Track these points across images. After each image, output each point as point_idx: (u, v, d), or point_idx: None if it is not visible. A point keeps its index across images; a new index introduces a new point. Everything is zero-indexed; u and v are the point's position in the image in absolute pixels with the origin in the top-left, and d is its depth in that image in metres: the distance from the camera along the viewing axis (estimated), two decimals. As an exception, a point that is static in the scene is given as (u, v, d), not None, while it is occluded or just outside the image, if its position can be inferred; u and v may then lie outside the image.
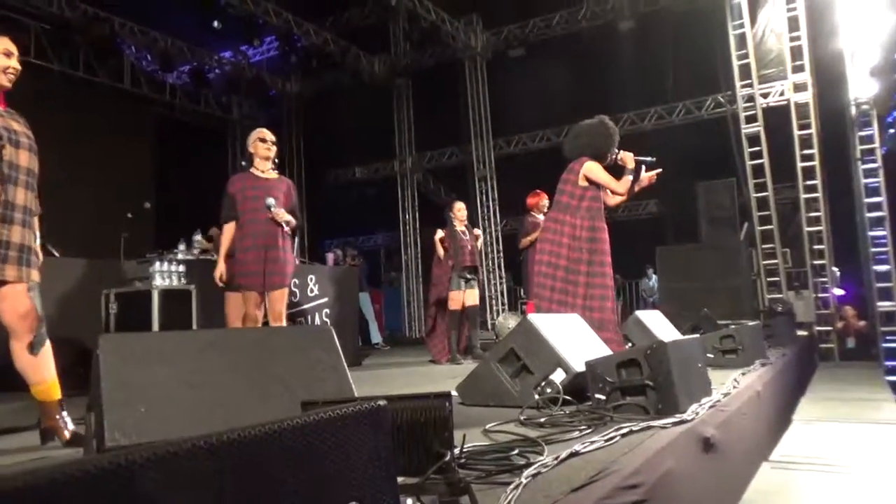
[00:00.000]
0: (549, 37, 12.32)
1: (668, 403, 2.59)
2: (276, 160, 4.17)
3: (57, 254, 5.63)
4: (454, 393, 3.28)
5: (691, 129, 11.65)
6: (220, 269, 4.03)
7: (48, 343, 2.61)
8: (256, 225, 3.96)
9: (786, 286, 9.60)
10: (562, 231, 4.24)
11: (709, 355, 4.73)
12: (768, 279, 9.71)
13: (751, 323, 5.26)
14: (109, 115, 10.94)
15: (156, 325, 4.77)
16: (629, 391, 2.73)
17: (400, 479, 1.40)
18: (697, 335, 3.51)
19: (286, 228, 4.04)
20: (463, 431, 2.35)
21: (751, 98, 9.97)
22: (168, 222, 8.95)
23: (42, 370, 2.56)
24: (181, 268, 5.47)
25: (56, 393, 2.59)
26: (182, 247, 5.65)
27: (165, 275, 5.12)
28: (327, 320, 6.23)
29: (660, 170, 4.42)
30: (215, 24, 10.23)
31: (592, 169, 4.28)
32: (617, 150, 4.40)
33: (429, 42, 13.21)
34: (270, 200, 3.96)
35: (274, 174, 4.14)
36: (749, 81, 9.99)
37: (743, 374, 4.02)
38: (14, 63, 2.62)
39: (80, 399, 2.14)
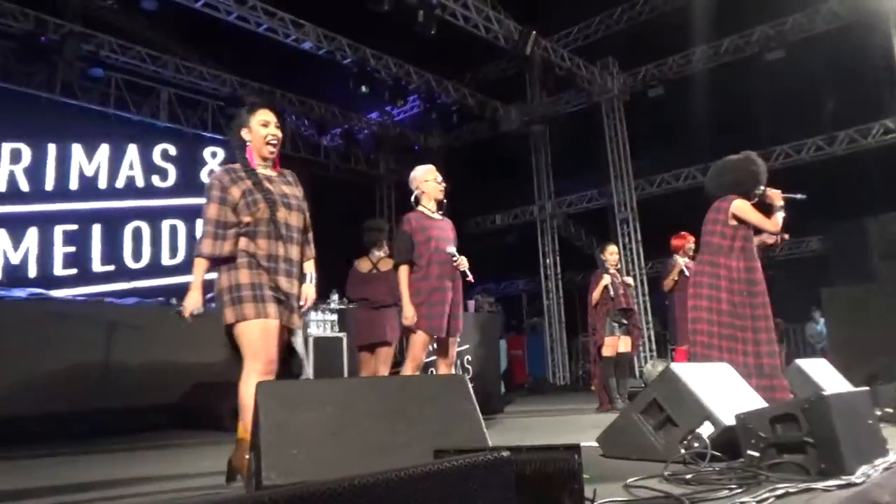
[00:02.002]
0: (689, 73, 11.95)
1: (833, 463, 2.36)
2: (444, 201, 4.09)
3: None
4: (595, 444, 3.21)
5: (856, 158, 10.68)
6: (412, 312, 3.80)
7: None
8: (438, 267, 3.85)
9: None
10: (718, 274, 4.03)
11: (887, 410, 4.24)
12: (963, 323, 8.53)
13: (938, 373, 4.65)
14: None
15: (310, 370, 5.10)
16: (787, 448, 2.53)
17: (531, 531, 1.42)
18: (867, 388, 3.18)
19: (469, 277, 3.99)
20: (601, 485, 2.30)
21: (927, 121, 9.02)
22: (322, 273, 9.58)
23: None
24: (334, 317, 5.85)
25: None
26: (335, 297, 6.04)
27: (320, 323, 5.48)
28: (469, 367, 6.33)
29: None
30: (363, 88, 11.01)
31: (742, 208, 4.06)
32: (763, 188, 4.16)
33: (565, 87, 13.30)
34: (452, 249, 3.91)
35: (439, 215, 4.06)
36: (923, 103, 9.06)
37: (930, 432, 3.55)
38: (272, 130, 2.92)
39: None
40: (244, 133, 2.91)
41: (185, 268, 10.30)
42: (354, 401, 1.75)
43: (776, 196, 4.08)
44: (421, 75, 12.01)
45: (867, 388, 3.23)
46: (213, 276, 2.82)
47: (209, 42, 11.07)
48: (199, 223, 2.87)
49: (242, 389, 2.65)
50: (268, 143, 2.89)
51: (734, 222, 4.08)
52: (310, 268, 3.02)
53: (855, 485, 2.22)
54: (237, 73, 11.41)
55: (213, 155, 11.38)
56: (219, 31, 9.88)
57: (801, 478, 2.31)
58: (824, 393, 2.53)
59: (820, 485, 2.20)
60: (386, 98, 11.92)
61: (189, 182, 10.88)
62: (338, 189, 13.38)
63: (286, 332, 2.86)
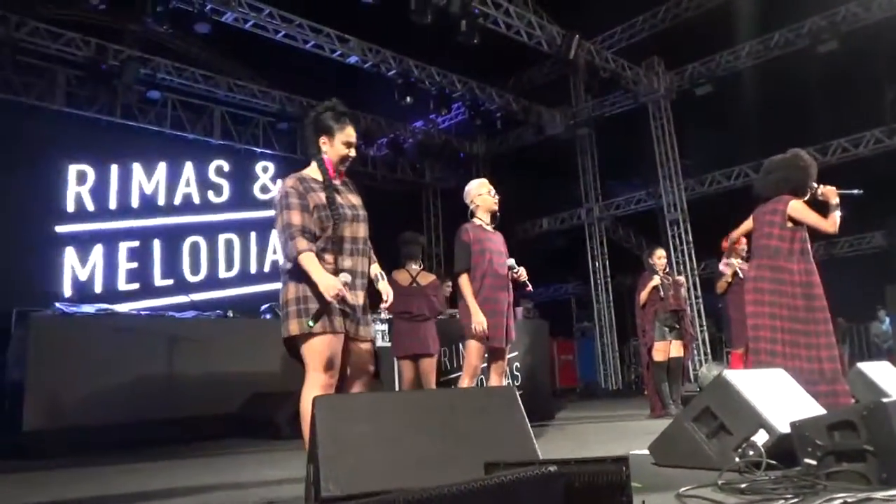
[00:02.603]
0: (739, 69, 11.69)
1: (894, 472, 2.31)
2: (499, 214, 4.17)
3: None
4: (647, 452, 3.20)
5: (919, 150, 10.26)
6: (483, 319, 3.84)
7: None
8: (495, 279, 3.95)
9: None
10: (781, 279, 3.94)
11: (957, 414, 4.08)
12: None
13: None
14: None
15: None
16: (846, 457, 2.47)
17: (581, 542, 1.45)
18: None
19: (529, 287, 4.10)
20: (653, 495, 2.31)
21: None
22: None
23: None
24: (384, 326, 5.95)
25: None
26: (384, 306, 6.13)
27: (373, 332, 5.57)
28: (518, 374, 6.35)
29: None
30: (408, 99, 11.16)
31: (798, 209, 3.97)
32: (816, 185, 4.06)
33: (610, 89, 13.18)
34: (511, 261, 4.04)
35: (492, 228, 4.13)
36: None
37: None
38: (352, 153, 2.90)
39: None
40: (323, 142, 2.86)
41: (241, 280, 10.69)
42: (408, 414, 1.81)
43: (831, 193, 3.98)
44: (464, 83, 12.10)
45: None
46: (275, 286, 2.82)
47: (259, 60, 11.42)
48: (281, 235, 2.75)
49: (304, 403, 2.64)
50: (344, 162, 2.89)
51: (791, 224, 3.99)
52: (377, 269, 3.00)
53: (918, 494, 2.17)
54: (285, 89, 11.72)
55: (265, 170, 11.72)
56: (268, 49, 10.18)
57: (861, 487, 2.27)
58: (885, 399, 2.47)
59: (880, 494, 2.15)
60: (431, 107, 12.04)
61: (243, 197, 11.26)
62: (385, 199, 13.57)
63: (364, 345, 2.84)
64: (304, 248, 2.66)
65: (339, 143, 2.86)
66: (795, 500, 2.15)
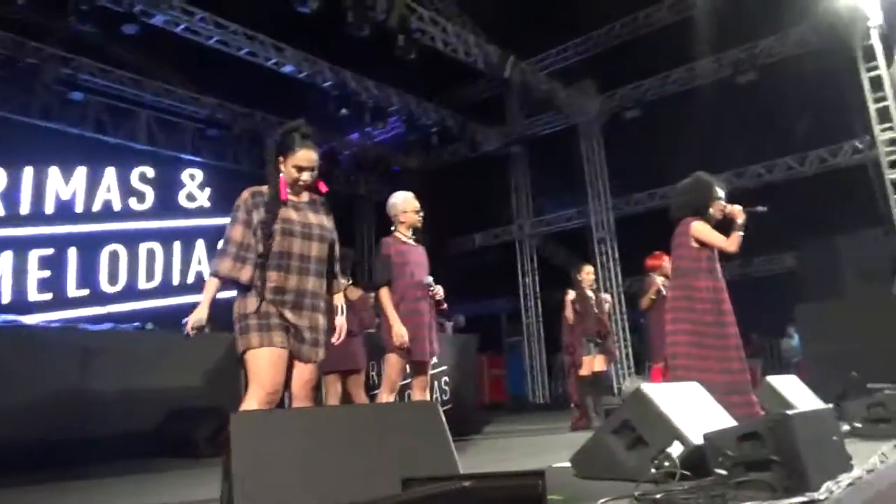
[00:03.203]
0: (665, 95, 12.20)
1: (797, 480, 2.43)
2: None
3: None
4: (569, 464, 3.25)
5: (827, 178, 10.93)
6: (403, 332, 3.83)
7: None
8: (417, 292, 3.95)
9: (953, 345, 8.57)
10: (691, 297, 4.11)
11: (856, 424, 4.34)
12: (931, 338, 8.72)
13: (904, 389, 4.75)
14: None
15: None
16: (753, 466, 2.58)
17: (497, 555, 1.45)
18: (830, 406, 3.26)
19: (444, 305, 4.09)
20: (572, 507, 2.35)
21: (893, 142, 9.29)
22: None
23: None
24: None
25: None
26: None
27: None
28: (446, 389, 6.36)
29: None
30: (343, 111, 11.09)
31: (700, 229, 4.16)
32: (724, 204, 4.24)
33: (544, 109, 13.50)
34: (430, 279, 4.03)
35: (414, 242, 4.13)
36: (890, 125, 9.34)
37: (895, 446, 3.64)
38: (306, 177, 2.87)
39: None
40: (280, 161, 2.87)
41: (162, 291, 10.29)
42: (327, 430, 1.78)
43: (738, 213, 4.15)
44: (401, 97, 12.13)
45: (832, 405, 3.31)
46: (199, 297, 2.78)
47: (190, 65, 11.10)
48: (220, 244, 2.82)
49: None
50: (297, 185, 2.87)
51: (696, 244, 4.17)
52: (339, 300, 3.04)
53: (818, 501, 2.29)
54: (217, 95, 11.43)
55: (192, 177, 11.36)
56: (200, 54, 9.92)
57: (767, 495, 2.37)
58: (789, 412, 2.60)
59: (784, 502, 2.26)
60: (367, 120, 12.00)
61: (167, 205, 10.85)
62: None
63: (307, 367, 2.80)
64: (218, 271, 2.73)
65: (290, 166, 2.86)
66: (706, 509, 2.22)
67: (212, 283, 2.76)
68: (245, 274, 2.72)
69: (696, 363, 4.03)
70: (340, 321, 2.99)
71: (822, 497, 2.33)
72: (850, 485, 2.57)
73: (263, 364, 2.65)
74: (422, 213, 4.16)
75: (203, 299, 2.73)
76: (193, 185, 11.28)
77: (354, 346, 5.21)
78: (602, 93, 12.90)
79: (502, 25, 11.31)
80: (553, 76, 12.48)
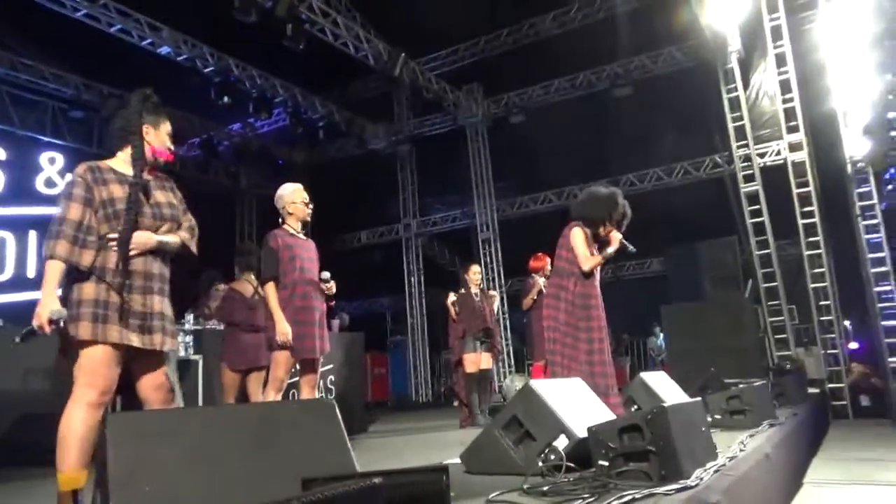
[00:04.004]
0: (548, 103, 12.69)
1: (672, 469, 2.58)
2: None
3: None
4: (458, 461, 3.28)
5: (691, 189, 11.83)
6: (288, 329, 3.71)
7: None
8: (307, 287, 3.83)
9: (794, 343, 9.55)
10: (558, 296, 4.28)
11: (716, 416, 4.70)
12: (776, 336, 9.67)
13: (757, 382, 5.22)
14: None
15: (180, 399, 4.77)
16: (632, 457, 2.72)
17: (399, 555, 1.42)
18: (699, 398, 3.51)
19: (332, 301, 3.99)
20: (465, 502, 2.36)
21: (748, 158, 10.17)
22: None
23: None
24: (188, 338, 5.54)
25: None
26: (190, 317, 5.73)
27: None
28: (332, 387, 6.24)
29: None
30: (225, 99, 10.60)
31: (573, 236, 4.31)
32: (613, 225, 4.34)
33: (432, 110, 13.62)
34: (326, 274, 3.92)
35: (303, 235, 4.01)
36: (745, 142, 10.21)
37: (751, 435, 3.98)
38: (171, 145, 2.77)
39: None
40: (147, 130, 2.67)
41: (14, 284, 9.35)
42: (215, 431, 1.67)
43: (614, 238, 4.28)
44: (287, 89, 11.78)
45: (699, 398, 3.56)
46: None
47: (53, 39, 10.15)
48: (51, 225, 2.48)
49: (64, 422, 2.35)
50: (166, 154, 2.72)
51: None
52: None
53: (690, 487, 2.44)
54: (83, 73, 10.55)
55: (52, 161, 10.38)
56: (65, 28, 9.09)
57: (645, 484, 2.50)
58: (665, 404, 2.76)
59: (661, 489, 2.38)
60: (250, 110, 11.55)
61: (22, 190, 9.85)
62: (194, 203, 12.69)
63: (156, 357, 2.58)
64: (56, 253, 2.41)
65: (163, 134, 2.70)
66: (591, 499, 2.31)
67: (53, 268, 2.41)
68: (85, 258, 2.46)
69: (562, 360, 4.18)
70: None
71: (693, 484, 2.49)
72: (716, 471, 2.77)
73: (93, 361, 2.39)
74: (311, 206, 4.04)
75: (47, 288, 2.39)
76: (53, 170, 10.32)
77: (261, 343, 5.00)
78: (489, 97, 13.20)
79: (393, 23, 11.29)
80: (442, 78, 12.62)
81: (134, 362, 2.54)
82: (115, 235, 2.50)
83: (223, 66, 10.52)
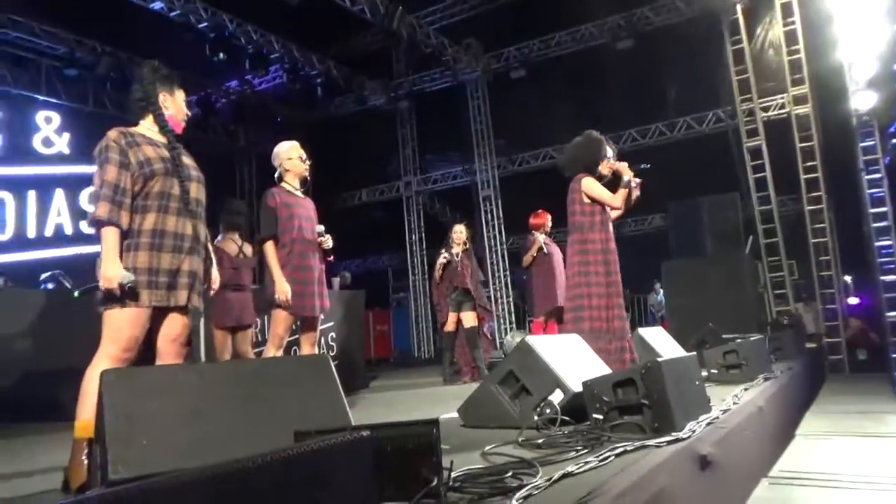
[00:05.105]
0: (549, 57, 12.47)
1: (664, 422, 2.62)
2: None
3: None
4: (455, 415, 3.33)
5: (693, 144, 11.71)
6: (287, 287, 3.69)
7: None
8: (305, 246, 3.80)
9: (793, 298, 9.59)
10: (585, 250, 4.26)
11: (713, 371, 4.75)
12: (775, 292, 9.71)
13: (753, 337, 5.26)
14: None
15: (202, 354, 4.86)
16: (626, 410, 2.77)
17: (390, 505, 1.46)
18: (693, 353, 3.54)
19: (331, 257, 3.98)
20: (461, 454, 2.40)
21: (751, 112, 10.05)
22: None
23: None
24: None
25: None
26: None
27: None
28: (333, 344, 6.30)
29: (639, 180, 4.45)
30: (221, 55, 10.42)
31: (589, 185, 4.31)
32: (611, 161, 4.41)
33: (431, 66, 13.41)
34: (321, 228, 3.89)
35: (301, 193, 3.96)
36: (749, 96, 10.08)
37: (745, 389, 4.03)
38: (187, 110, 2.91)
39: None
40: (164, 99, 2.78)
41: (14, 244, 9.37)
42: (211, 386, 1.69)
43: (624, 169, 4.33)
44: (284, 45, 11.57)
45: (694, 353, 3.59)
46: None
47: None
48: (89, 190, 2.62)
49: (88, 375, 2.45)
50: (184, 121, 2.84)
51: (588, 199, 4.33)
52: (209, 248, 2.90)
53: (681, 439, 2.49)
54: (77, 31, 10.36)
55: (48, 120, 10.30)
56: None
57: (638, 436, 2.55)
58: (659, 359, 2.79)
59: (653, 441, 2.43)
60: (246, 67, 11.37)
61: (19, 150, 9.80)
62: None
63: (181, 315, 2.67)
64: (100, 217, 2.50)
65: (179, 101, 2.82)
66: (584, 451, 2.35)
67: (112, 233, 2.51)
68: (124, 219, 2.54)
69: (595, 312, 4.20)
70: (214, 272, 2.89)
71: (685, 436, 2.53)
72: (708, 424, 2.82)
73: (123, 322, 2.50)
74: (308, 162, 3.99)
75: (109, 254, 2.49)
76: (50, 129, 10.25)
77: (245, 302, 5.10)
78: (488, 52, 12.98)
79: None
80: (441, 32, 12.38)
81: (157, 317, 2.63)
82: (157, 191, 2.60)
83: (217, 22, 10.32)
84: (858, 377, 8.43)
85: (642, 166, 4.47)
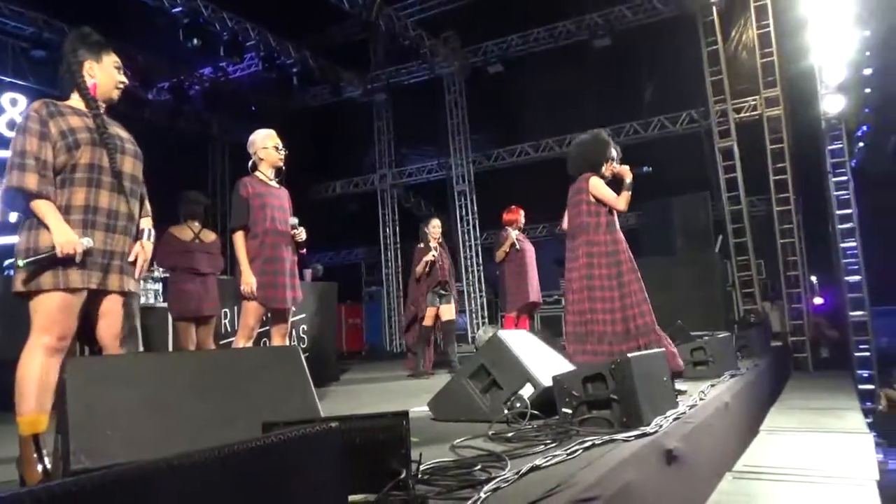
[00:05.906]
0: (527, 53, 12.49)
1: (632, 416, 2.66)
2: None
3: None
4: (426, 408, 3.34)
5: (666, 143, 11.82)
6: (252, 279, 3.66)
7: None
8: (277, 237, 3.76)
9: (760, 297, 9.78)
10: (591, 252, 4.15)
11: (681, 367, 4.83)
12: (743, 290, 9.89)
13: (721, 335, 5.36)
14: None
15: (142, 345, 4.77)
16: (595, 405, 2.80)
17: (359, 497, 1.46)
18: (660, 350, 3.59)
19: (303, 249, 3.93)
20: (430, 447, 2.41)
21: (724, 113, 10.19)
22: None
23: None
24: (157, 286, 5.49)
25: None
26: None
27: (142, 292, 5.13)
28: (304, 336, 6.26)
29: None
30: (195, 41, 10.22)
31: (596, 186, 4.21)
32: (615, 163, 4.33)
33: (409, 59, 13.34)
34: (294, 220, 3.85)
35: (276, 183, 3.92)
36: (722, 97, 10.22)
37: (712, 385, 4.10)
38: (122, 77, 2.68)
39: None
40: (90, 67, 2.58)
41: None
42: (177, 376, 1.66)
43: (625, 172, 4.24)
44: (260, 32, 11.41)
45: (658, 350, 3.64)
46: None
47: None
48: (12, 157, 2.37)
49: (21, 367, 2.29)
50: (118, 89, 2.65)
51: (594, 199, 4.20)
52: (148, 223, 2.70)
53: (649, 434, 2.52)
54: (45, 11, 10.10)
55: (14, 102, 10.06)
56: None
57: (606, 430, 2.58)
58: (628, 355, 2.82)
59: (621, 436, 2.46)
60: (221, 54, 11.18)
61: (-17, 132, 9.56)
62: (164, 149, 12.39)
63: (118, 298, 2.52)
64: (28, 188, 2.32)
65: (111, 69, 2.62)
66: (553, 444, 2.37)
67: (47, 206, 2.34)
68: (52, 194, 2.38)
69: (600, 316, 4.05)
70: (147, 247, 2.65)
71: (652, 430, 2.57)
72: (675, 419, 2.87)
73: (53, 307, 2.32)
74: (284, 152, 3.92)
75: (56, 223, 2.33)
76: (15, 112, 9.99)
77: (212, 290, 5.04)
78: (466, 46, 12.95)
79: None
80: (420, 25, 12.32)
81: (92, 304, 2.48)
82: (65, 163, 2.42)
83: (192, 7, 10.13)
84: (822, 374, 8.63)
85: (644, 169, 4.41)
